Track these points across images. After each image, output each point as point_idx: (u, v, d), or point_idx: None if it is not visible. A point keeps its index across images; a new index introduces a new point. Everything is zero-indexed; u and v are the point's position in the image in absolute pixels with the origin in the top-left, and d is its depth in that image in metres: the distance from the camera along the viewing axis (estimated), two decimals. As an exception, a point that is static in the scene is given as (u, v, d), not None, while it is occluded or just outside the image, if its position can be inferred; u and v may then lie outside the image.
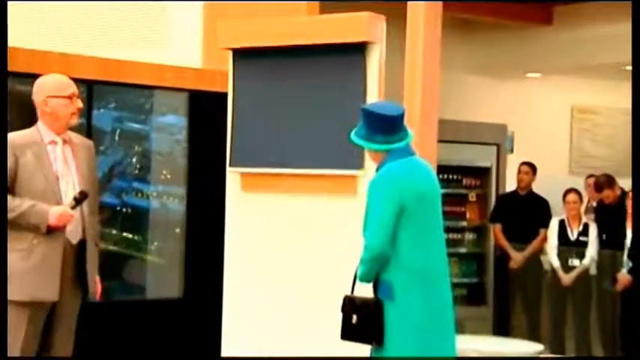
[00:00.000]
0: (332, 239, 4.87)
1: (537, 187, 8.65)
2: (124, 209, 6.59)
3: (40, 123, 4.43)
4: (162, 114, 6.79)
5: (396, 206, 3.75)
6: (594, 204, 8.69)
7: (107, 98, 6.52)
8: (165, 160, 6.76)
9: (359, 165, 4.72)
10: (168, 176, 6.75)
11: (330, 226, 4.90)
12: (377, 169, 3.90)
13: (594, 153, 11.01)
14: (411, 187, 3.79)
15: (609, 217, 7.97)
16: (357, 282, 3.87)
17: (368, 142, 3.87)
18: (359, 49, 4.85)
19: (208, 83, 6.43)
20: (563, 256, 7.94)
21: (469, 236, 9.09)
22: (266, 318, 5.05)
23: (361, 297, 3.83)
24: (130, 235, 6.64)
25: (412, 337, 3.74)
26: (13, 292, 4.20)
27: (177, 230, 6.64)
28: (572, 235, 7.98)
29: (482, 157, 9.10)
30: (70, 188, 4.36)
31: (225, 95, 5.27)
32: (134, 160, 6.69)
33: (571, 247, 7.94)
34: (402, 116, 3.89)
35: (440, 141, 5.80)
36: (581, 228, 7.98)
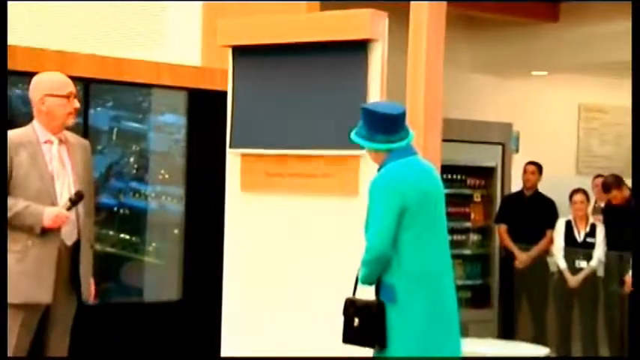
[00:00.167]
0: (333, 240, 4.88)
1: (543, 188, 8.65)
2: (122, 210, 6.59)
3: (35, 122, 4.43)
4: (160, 113, 6.79)
5: (398, 207, 3.75)
6: (602, 205, 8.69)
7: (104, 97, 6.52)
8: (163, 160, 6.76)
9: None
10: (167, 176, 6.75)
11: (331, 227, 4.90)
12: (378, 170, 3.91)
13: (602, 153, 11.02)
14: (412, 187, 3.80)
15: (617, 218, 7.97)
16: (359, 284, 3.88)
17: (368, 142, 3.88)
18: (361, 47, 4.85)
19: (207, 81, 6.43)
20: (569, 258, 7.94)
21: (473, 237, 9.09)
22: (266, 321, 5.06)
23: (363, 300, 3.83)
24: (128, 237, 6.65)
25: (414, 340, 3.74)
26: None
27: (176, 231, 6.65)
28: (579, 236, 7.98)
29: (487, 156, 9.10)
30: (65, 189, 4.37)
31: (224, 94, 5.27)
32: (132, 159, 6.69)
33: (578, 249, 7.94)
34: (403, 115, 3.90)
35: (444, 140, 5.79)
36: (588, 229, 7.99)
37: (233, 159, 5.20)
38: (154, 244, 6.75)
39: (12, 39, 5.01)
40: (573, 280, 7.87)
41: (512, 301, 8.56)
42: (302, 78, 5.03)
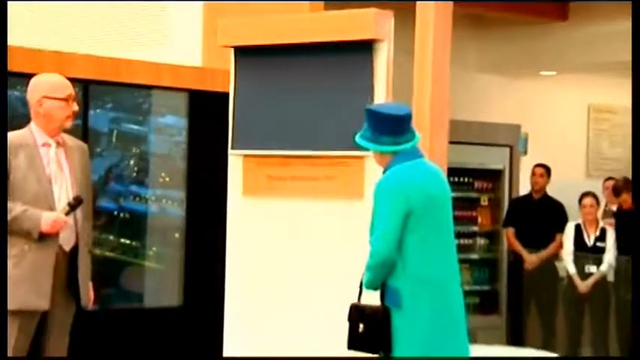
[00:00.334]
0: (337, 245, 4.87)
1: (552, 191, 8.64)
2: (122, 214, 6.60)
3: (33, 124, 4.43)
4: (160, 115, 6.80)
5: (403, 211, 3.75)
6: (614, 208, 8.68)
7: (104, 98, 6.53)
8: (164, 163, 6.77)
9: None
10: (168, 179, 6.76)
11: (336, 231, 4.89)
12: (383, 172, 3.91)
13: (612, 155, 11.00)
14: (418, 190, 3.80)
15: (628, 222, 7.96)
16: (364, 290, 3.88)
17: (373, 144, 3.87)
18: (366, 47, 4.85)
19: (209, 83, 6.44)
20: (579, 263, 7.92)
21: (481, 242, 9.07)
22: (269, 328, 5.06)
23: (368, 305, 3.84)
24: (128, 241, 6.65)
25: (420, 345, 3.74)
26: (4, 300, 4.22)
27: (177, 235, 6.65)
28: (589, 240, 7.97)
29: (494, 159, 9.08)
30: (63, 192, 4.36)
31: (226, 95, 5.28)
32: (132, 162, 6.70)
33: (588, 253, 7.93)
34: (408, 116, 3.89)
35: (450, 142, 5.80)
36: (598, 233, 7.97)
37: (235, 161, 5.20)
38: (154, 249, 6.75)
39: (11, 39, 5.02)
40: (583, 286, 7.86)
41: (521, 307, 8.55)
42: (305, 79, 5.03)
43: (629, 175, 8.43)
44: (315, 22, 5.09)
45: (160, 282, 6.71)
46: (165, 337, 6.33)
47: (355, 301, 3.89)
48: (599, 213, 8.42)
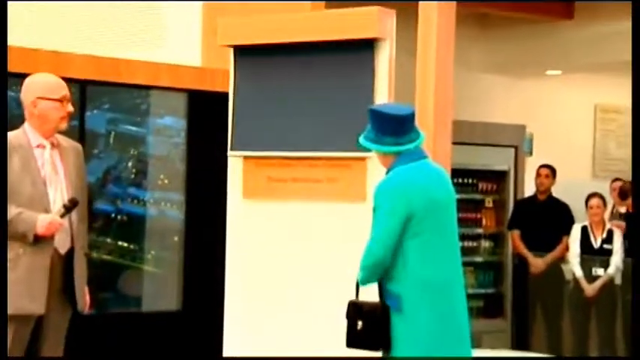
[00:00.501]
0: (339, 248, 4.86)
1: (558, 192, 8.62)
2: (119, 216, 6.59)
3: (27, 125, 4.41)
4: (159, 115, 6.79)
5: (402, 213, 3.74)
6: (622, 210, 8.66)
7: (101, 99, 6.52)
8: (162, 165, 6.76)
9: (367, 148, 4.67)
10: (166, 182, 6.75)
11: (338, 234, 4.88)
12: (386, 173, 3.90)
13: (619, 155, 10.98)
14: (420, 193, 3.78)
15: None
16: (361, 287, 3.88)
17: (376, 145, 3.86)
18: (368, 46, 4.83)
19: (208, 82, 6.43)
20: (586, 265, 7.91)
21: (485, 244, 9.07)
22: (269, 329, 5.05)
23: (366, 302, 3.84)
24: (126, 244, 6.65)
25: (420, 350, 3.73)
26: (-2, 304, 4.21)
27: (176, 239, 6.64)
28: (596, 242, 7.96)
29: (499, 160, 9.08)
30: (58, 195, 4.35)
31: (226, 95, 5.27)
32: (130, 164, 6.69)
33: (594, 256, 7.91)
34: (412, 116, 3.88)
35: (454, 143, 5.79)
36: (604, 235, 7.96)
37: (235, 163, 5.19)
38: (152, 252, 6.75)
39: (9, 39, 5.00)
40: (590, 289, 7.84)
41: (527, 311, 8.54)
42: (306, 78, 5.02)
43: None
44: (315, 21, 5.08)
45: (159, 286, 6.71)
46: (163, 342, 6.32)
47: (354, 299, 3.89)
48: (606, 214, 8.40)
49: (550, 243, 8.29)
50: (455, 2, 5.70)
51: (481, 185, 9.08)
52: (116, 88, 6.40)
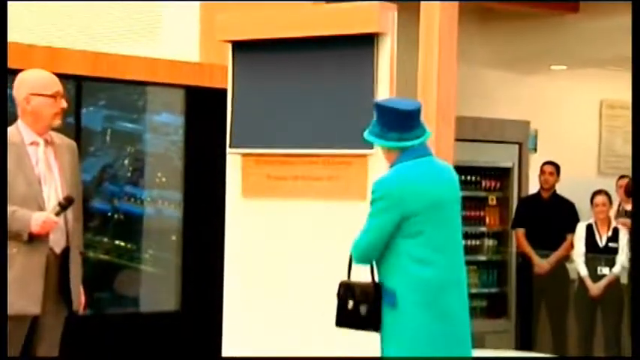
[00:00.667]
0: (340, 248, 4.85)
1: (563, 189, 8.61)
2: (116, 215, 6.59)
3: (20, 122, 4.41)
4: (156, 112, 6.79)
5: (395, 214, 3.75)
6: (628, 208, 8.65)
7: (97, 95, 6.52)
8: (160, 163, 6.75)
9: (369, 145, 4.67)
10: (164, 180, 6.75)
11: (338, 233, 4.87)
12: (389, 168, 3.90)
13: (625, 152, 10.95)
14: (418, 193, 3.77)
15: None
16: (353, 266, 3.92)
17: (380, 139, 3.85)
18: (368, 41, 4.83)
19: (206, 79, 6.43)
20: (591, 264, 7.90)
21: (489, 242, 9.07)
22: (268, 333, 5.04)
23: (358, 282, 3.88)
24: (123, 243, 6.64)
25: (414, 349, 3.73)
26: (-7, 305, 4.20)
27: (173, 238, 6.64)
28: (601, 240, 7.95)
29: (503, 156, 9.08)
30: (52, 193, 4.35)
31: (224, 91, 5.26)
32: (126, 162, 6.68)
33: (600, 254, 7.90)
34: (416, 112, 3.87)
35: (457, 140, 5.78)
36: (610, 233, 7.94)
37: (233, 161, 5.18)
38: (150, 252, 6.74)
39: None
40: (595, 288, 7.83)
41: (531, 311, 8.53)
42: (306, 74, 5.01)
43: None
44: (315, 16, 5.07)
45: (156, 286, 6.70)
46: (161, 343, 6.32)
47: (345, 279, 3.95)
48: (612, 212, 8.39)
49: (554, 241, 8.28)
50: (457, 2, 5.70)
51: (485, 183, 9.07)
52: (113, 84, 6.39)
